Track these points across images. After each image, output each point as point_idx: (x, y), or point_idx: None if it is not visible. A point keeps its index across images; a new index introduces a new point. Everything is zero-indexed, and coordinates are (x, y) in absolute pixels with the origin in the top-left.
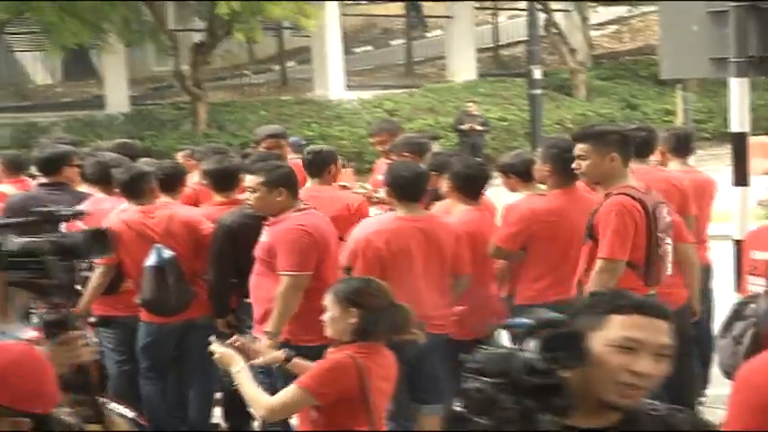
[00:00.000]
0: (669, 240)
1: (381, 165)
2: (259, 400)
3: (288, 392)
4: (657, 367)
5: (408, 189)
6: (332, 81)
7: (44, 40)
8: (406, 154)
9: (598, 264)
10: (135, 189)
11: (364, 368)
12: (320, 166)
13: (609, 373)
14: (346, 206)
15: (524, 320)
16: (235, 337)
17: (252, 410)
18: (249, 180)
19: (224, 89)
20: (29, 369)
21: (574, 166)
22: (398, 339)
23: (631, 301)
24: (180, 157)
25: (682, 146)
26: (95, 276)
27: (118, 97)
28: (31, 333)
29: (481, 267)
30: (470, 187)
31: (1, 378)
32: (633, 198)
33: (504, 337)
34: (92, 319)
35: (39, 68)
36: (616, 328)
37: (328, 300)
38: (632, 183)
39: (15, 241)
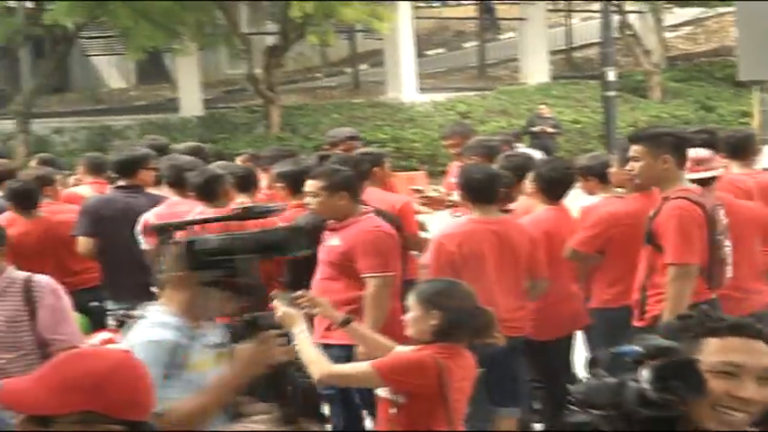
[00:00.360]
0: (728, 243)
1: (454, 167)
2: (320, 362)
3: (357, 366)
4: (762, 392)
5: (481, 191)
6: (404, 84)
7: (119, 43)
8: (476, 157)
9: (670, 272)
10: (210, 191)
11: (444, 368)
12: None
13: (710, 400)
14: (391, 207)
15: (634, 348)
16: (300, 292)
17: (309, 371)
18: (310, 185)
19: (297, 92)
20: (125, 377)
21: (627, 168)
22: (479, 342)
23: (726, 323)
24: (239, 160)
25: (742, 149)
26: None
27: (191, 100)
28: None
29: (559, 266)
30: (554, 189)
31: (97, 385)
32: (692, 201)
33: (580, 340)
34: None
35: (113, 72)
36: (713, 352)
37: (411, 300)
38: (687, 185)
39: (212, 239)
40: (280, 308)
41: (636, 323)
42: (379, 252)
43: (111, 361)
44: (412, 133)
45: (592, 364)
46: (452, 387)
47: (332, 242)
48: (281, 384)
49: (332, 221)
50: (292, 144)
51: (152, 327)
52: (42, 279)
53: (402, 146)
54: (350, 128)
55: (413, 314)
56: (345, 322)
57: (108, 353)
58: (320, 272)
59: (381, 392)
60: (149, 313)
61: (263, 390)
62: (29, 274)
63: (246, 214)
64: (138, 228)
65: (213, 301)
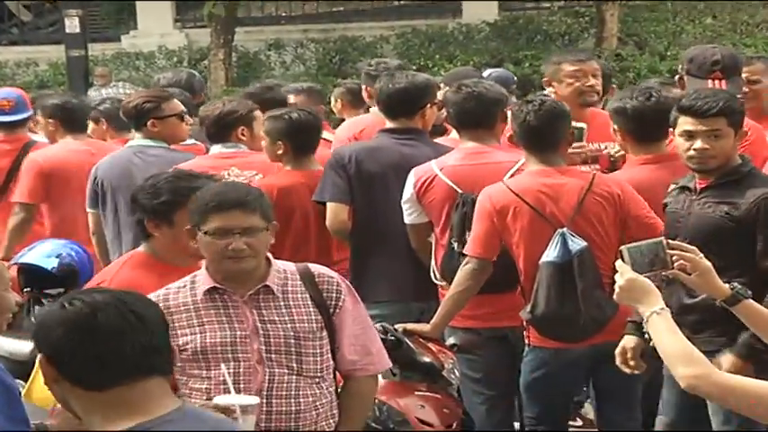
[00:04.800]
0: None
1: None
2: (693, 360)
3: (758, 383)
4: None
5: None
6: None
7: None
8: None
9: None
10: (540, 141)
11: None
12: None
13: None
14: None
15: None
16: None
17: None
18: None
19: None
20: None
21: None
22: None
23: None
24: None
25: None
26: (460, 276)
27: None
28: None
29: None
30: None
31: None
32: None
33: None
34: (451, 340)
35: None
36: None
37: None
38: None
39: None
40: (625, 273)
41: None
42: None
43: None
44: None
45: None
46: None
47: None
48: None
49: None
50: (635, 64)
51: None
52: (325, 271)
53: None
54: (726, 49)
55: None
56: (736, 299)
57: None
58: None
59: None
60: None
61: None
62: (308, 265)
63: None
64: None
65: None
